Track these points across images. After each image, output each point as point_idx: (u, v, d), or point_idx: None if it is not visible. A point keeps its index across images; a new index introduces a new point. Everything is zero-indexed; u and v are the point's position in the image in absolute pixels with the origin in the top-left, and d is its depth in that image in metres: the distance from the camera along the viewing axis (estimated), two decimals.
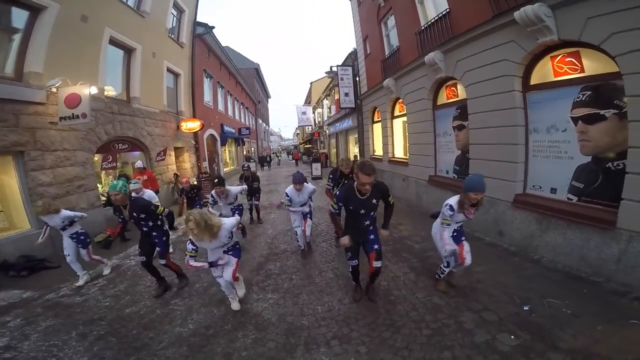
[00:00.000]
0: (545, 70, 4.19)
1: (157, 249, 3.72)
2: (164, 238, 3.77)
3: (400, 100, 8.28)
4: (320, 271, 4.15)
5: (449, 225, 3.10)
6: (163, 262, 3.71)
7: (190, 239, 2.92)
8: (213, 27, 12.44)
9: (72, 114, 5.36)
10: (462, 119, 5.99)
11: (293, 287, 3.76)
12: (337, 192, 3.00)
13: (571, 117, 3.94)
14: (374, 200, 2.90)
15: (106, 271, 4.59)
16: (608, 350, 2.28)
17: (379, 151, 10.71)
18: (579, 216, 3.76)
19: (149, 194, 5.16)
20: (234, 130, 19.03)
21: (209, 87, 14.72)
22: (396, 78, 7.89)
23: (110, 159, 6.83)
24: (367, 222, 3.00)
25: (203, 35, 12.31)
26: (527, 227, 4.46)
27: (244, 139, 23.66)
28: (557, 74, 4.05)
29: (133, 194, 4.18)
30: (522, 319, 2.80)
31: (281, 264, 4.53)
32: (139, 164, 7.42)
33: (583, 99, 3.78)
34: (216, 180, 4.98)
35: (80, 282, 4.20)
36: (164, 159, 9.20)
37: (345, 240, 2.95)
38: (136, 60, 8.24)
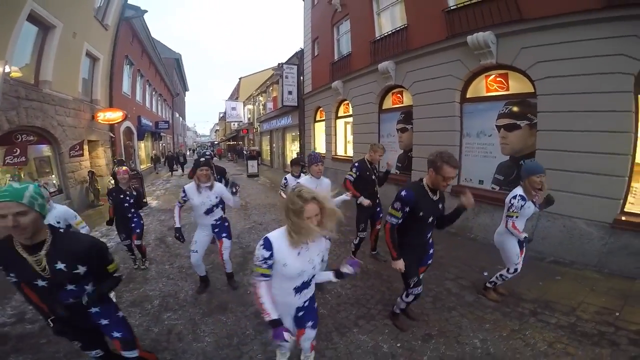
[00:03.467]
0: (479, 87, 5.12)
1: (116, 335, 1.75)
2: (119, 332, 1.77)
3: (346, 102, 8.74)
4: None
5: (517, 218, 2.69)
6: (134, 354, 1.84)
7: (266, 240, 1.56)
8: (145, 11, 10.71)
9: None
10: (405, 123, 6.74)
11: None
12: (404, 192, 2.17)
13: (496, 125, 4.93)
14: (441, 205, 2.30)
15: None
16: (556, 297, 3.01)
17: (319, 149, 11.03)
18: (501, 201, 4.70)
19: (60, 211, 2.67)
20: (151, 124, 16.67)
21: (129, 75, 12.66)
22: (345, 81, 8.27)
23: (17, 152, 5.05)
24: (430, 235, 2.41)
25: (132, 18, 10.48)
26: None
27: (161, 134, 20.86)
28: (488, 90, 5.00)
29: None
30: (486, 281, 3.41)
31: None
32: None
33: (506, 111, 4.78)
34: (201, 159, 3.00)
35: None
36: (81, 154, 7.41)
37: (400, 264, 2.22)
38: (54, 39, 6.61)
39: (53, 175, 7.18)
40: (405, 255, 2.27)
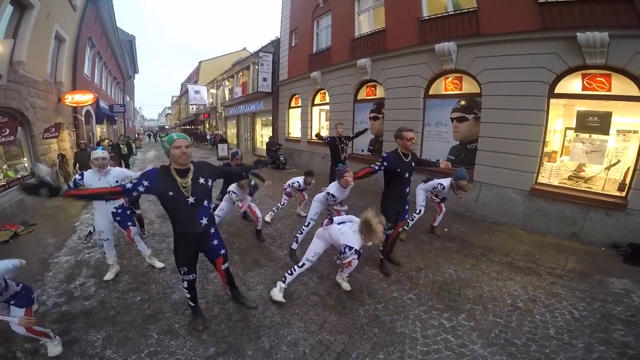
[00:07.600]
0: (439, 86, 6.08)
1: (222, 252, 2.37)
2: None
3: (323, 91, 9.22)
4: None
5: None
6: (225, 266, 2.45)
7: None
8: None
9: None
10: (377, 112, 7.55)
11: (304, 238, 4.12)
12: (385, 154, 2.93)
13: (450, 117, 5.98)
14: (413, 164, 3.01)
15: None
16: (496, 245, 4.09)
17: (294, 133, 11.42)
18: (450, 175, 5.89)
19: (117, 172, 3.20)
20: (107, 107, 15.16)
21: (89, 57, 11.55)
22: (323, 72, 8.71)
23: (7, 132, 4.60)
24: (407, 190, 3.06)
25: None
26: None
27: (115, 118, 18.91)
28: (446, 89, 5.99)
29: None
30: (448, 235, 4.43)
31: (271, 228, 4.74)
32: None
33: (458, 106, 5.83)
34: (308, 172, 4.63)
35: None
36: (56, 136, 6.87)
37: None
38: (30, 19, 6.06)
39: (24, 159, 6.55)
40: (389, 206, 3.03)
